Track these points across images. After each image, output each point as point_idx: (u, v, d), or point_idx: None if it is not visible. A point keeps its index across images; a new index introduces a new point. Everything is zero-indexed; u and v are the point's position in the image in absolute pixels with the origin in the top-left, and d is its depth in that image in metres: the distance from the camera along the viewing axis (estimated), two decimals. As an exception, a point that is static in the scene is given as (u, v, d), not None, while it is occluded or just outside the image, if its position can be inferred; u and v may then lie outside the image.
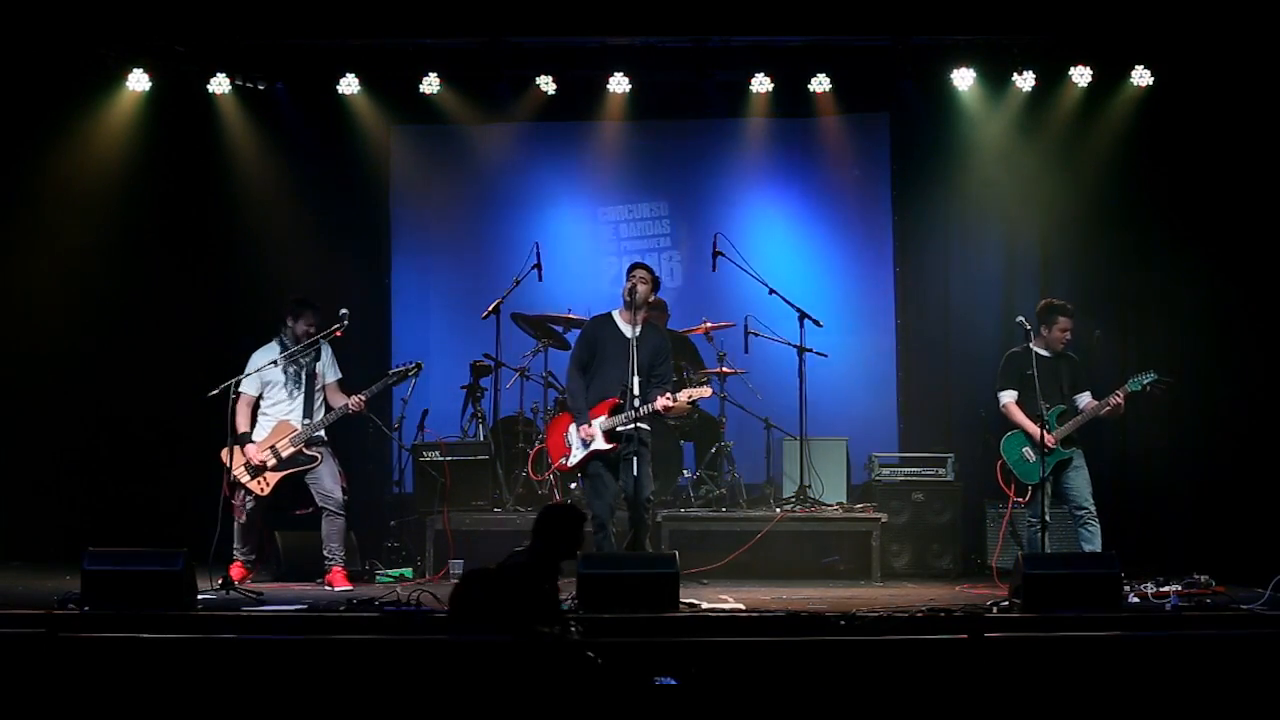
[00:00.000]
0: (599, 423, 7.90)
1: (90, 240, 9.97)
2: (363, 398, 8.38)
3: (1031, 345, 8.18)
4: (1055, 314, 8.29)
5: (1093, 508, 8.22)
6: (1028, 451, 8.27)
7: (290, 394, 8.43)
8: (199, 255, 10.27)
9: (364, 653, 6.09)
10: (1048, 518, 8.14)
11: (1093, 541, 8.16)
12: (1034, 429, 8.10)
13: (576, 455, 7.98)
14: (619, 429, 7.82)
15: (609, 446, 7.86)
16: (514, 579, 5.89)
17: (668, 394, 7.79)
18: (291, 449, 8.33)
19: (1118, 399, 8.17)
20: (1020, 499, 8.35)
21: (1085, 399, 8.32)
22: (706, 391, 8.13)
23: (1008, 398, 8.40)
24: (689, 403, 8.00)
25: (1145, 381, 8.20)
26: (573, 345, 8.40)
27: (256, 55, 9.86)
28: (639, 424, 7.76)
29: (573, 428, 8.02)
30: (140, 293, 10.12)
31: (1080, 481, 8.25)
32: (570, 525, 6.17)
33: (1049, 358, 8.30)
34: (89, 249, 9.97)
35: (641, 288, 7.96)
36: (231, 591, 7.66)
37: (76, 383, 9.94)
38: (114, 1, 9.27)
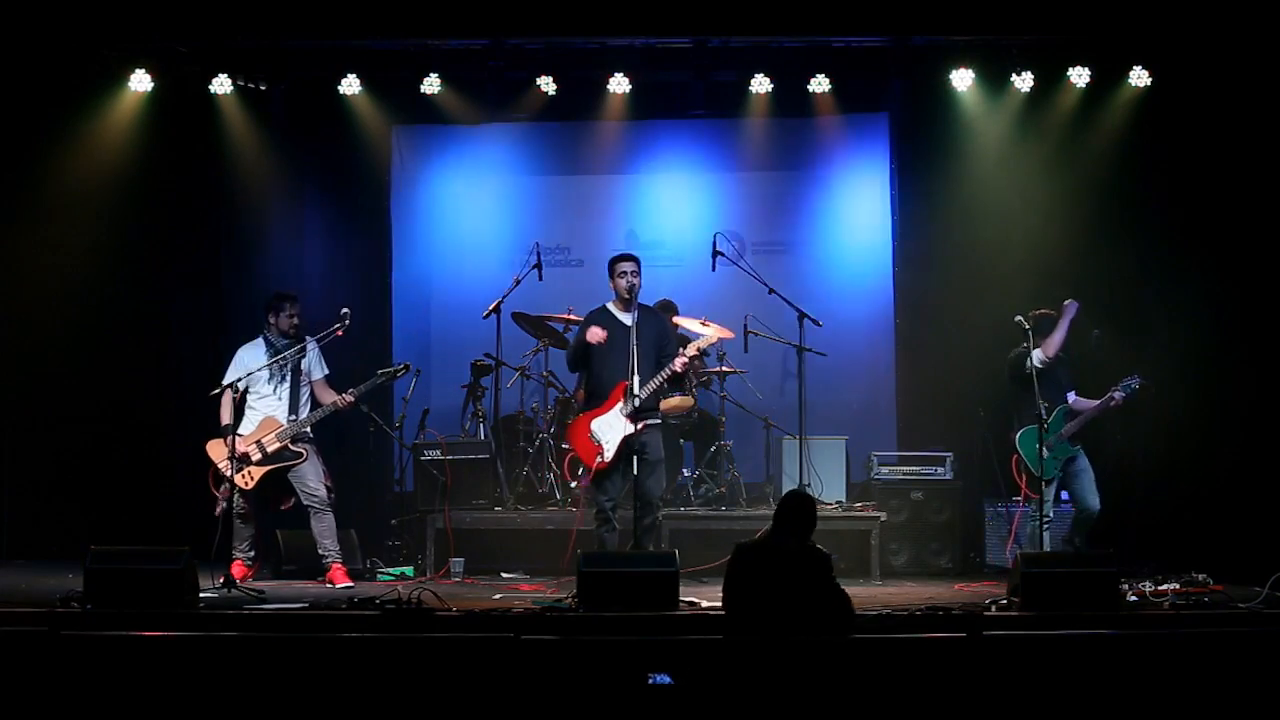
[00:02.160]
0: (619, 409, 7.90)
1: (92, 240, 10.00)
2: (351, 396, 8.42)
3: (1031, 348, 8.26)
4: (1039, 334, 8.36)
5: (1094, 509, 8.37)
6: (1041, 448, 8.36)
7: (275, 389, 8.46)
8: (200, 255, 10.30)
9: (365, 650, 6.13)
10: (1050, 515, 8.27)
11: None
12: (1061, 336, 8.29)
13: (610, 449, 7.92)
14: (637, 407, 7.86)
15: (637, 427, 7.88)
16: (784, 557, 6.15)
17: (680, 354, 7.90)
18: (277, 444, 8.36)
19: (1115, 399, 8.31)
20: (1033, 493, 8.41)
21: (1071, 397, 8.45)
22: (712, 336, 8.28)
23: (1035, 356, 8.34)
24: (700, 351, 8.13)
25: (1133, 385, 8.32)
26: (572, 341, 8.43)
27: (258, 56, 9.88)
28: (648, 421, 7.84)
29: (594, 423, 8.01)
30: (142, 292, 10.14)
31: (1086, 482, 8.39)
32: (811, 508, 6.31)
33: (1048, 360, 8.38)
34: (91, 249, 9.99)
35: (636, 281, 8.02)
36: (233, 590, 7.68)
37: (78, 381, 9.96)
38: (116, 2, 9.29)
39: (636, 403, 7.75)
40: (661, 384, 7.94)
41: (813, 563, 6.13)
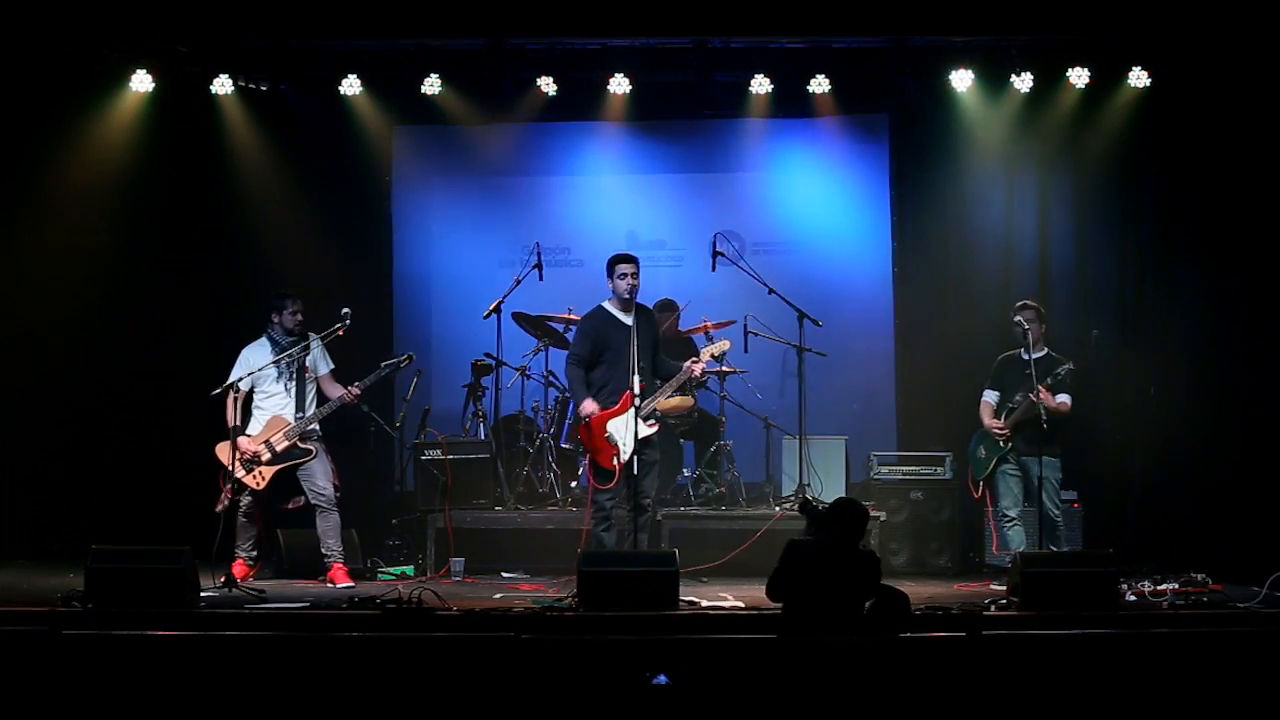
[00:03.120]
0: (634, 411, 7.90)
1: (94, 240, 10.02)
2: (358, 389, 8.43)
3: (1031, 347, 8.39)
4: (1014, 314, 8.51)
5: (1058, 515, 8.45)
6: (981, 450, 8.64)
7: (285, 388, 8.49)
8: (202, 255, 10.31)
9: (365, 650, 6.14)
10: (1011, 514, 8.50)
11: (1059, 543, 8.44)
12: (987, 422, 8.56)
13: (627, 450, 7.95)
14: (657, 409, 8.00)
15: (654, 429, 7.98)
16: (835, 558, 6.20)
17: (694, 360, 8.09)
18: (286, 443, 8.39)
19: (1042, 396, 8.28)
20: (977, 495, 8.71)
21: (1062, 398, 8.41)
22: (726, 344, 8.41)
23: (984, 397, 8.72)
24: (714, 356, 8.32)
25: (1061, 372, 8.36)
26: (572, 342, 8.45)
27: (259, 56, 9.88)
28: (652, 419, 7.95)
29: (611, 424, 8.01)
30: (144, 292, 10.16)
31: (1050, 491, 8.39)
32: (862, 515, 6.34)
33: (1027, 359, 8.45)
34: (93, 248, 10.01)
35: (636, 282, 8.06)
36: (234, 589, 7.70)
37: (80, 380, 9.98)
38: (117, 3, 9.30)
39: (637, 402, 7.76)
40: (674, 390, 8.03)
41: (869, 564, 6.21)
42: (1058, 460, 8.46)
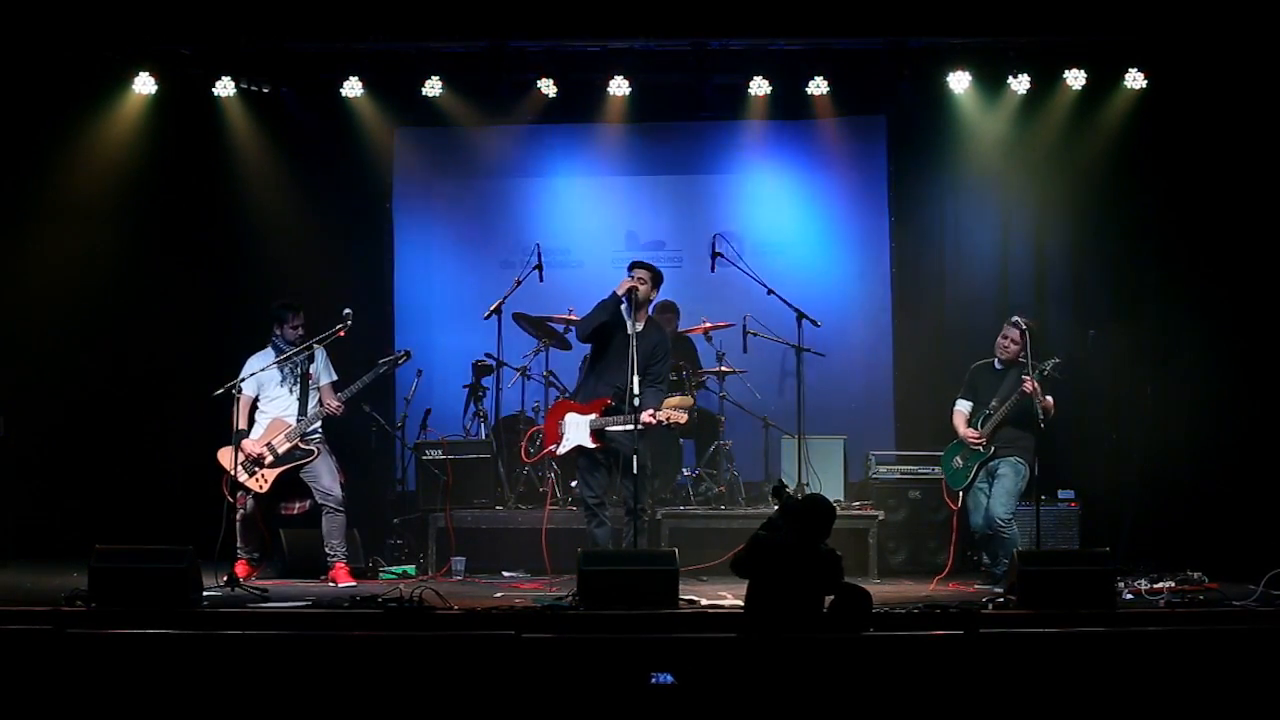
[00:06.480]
0: (589, 420, 7.97)
1: (95, 241, 10.05)
2: (340, 402, 8.50)
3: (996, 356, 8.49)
4: (1005, 325, 8.50)
5: (1006, 518, 8.32)
6: (957, 460, 8.57)
7: (289, 391, 8.55)
8: (203, 256, 10.34)
9: (367, 649, 6.18)
10: (988, 528, 8.41)
11: (1005, 548, 8.28)
12: (962, 432, 8.51)
13: (565, 446, 8.09)
14: (607, 429, 7.93)
15: (594, 446, 7.99)
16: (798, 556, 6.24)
17: (651, 412, 7.78)
18: (288, 445, 8.44)
19: (1030, 385, 8.20)
20: (955, 506, 8.68)
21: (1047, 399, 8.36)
22: (682, 418, 7.95)
23: (957, 406, 8.68)
24: (666, 423, 7.88)
25: (1046, 366, 8.30)
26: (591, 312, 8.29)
27: (261, 58, 9.91)
28: (617, 433, 7.88)
29: (569, 417, 8.07)
30: (146, 293, 10.19)
31: (998, 491, 8.36)
32: (829, 514, 6.34)
33: (998, 370, 8.51)
34: (94, 250, 10.04)
35: (641, 288, 8.03)
36: (236, 588, 7.74)
37: (83, 381, 10.02)
38: (120, 5, 9.34)
39: (637, 402, 7.77)
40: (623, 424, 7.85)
41: (831, 564, 6.24)
42: (1022, 464, 8.36)
